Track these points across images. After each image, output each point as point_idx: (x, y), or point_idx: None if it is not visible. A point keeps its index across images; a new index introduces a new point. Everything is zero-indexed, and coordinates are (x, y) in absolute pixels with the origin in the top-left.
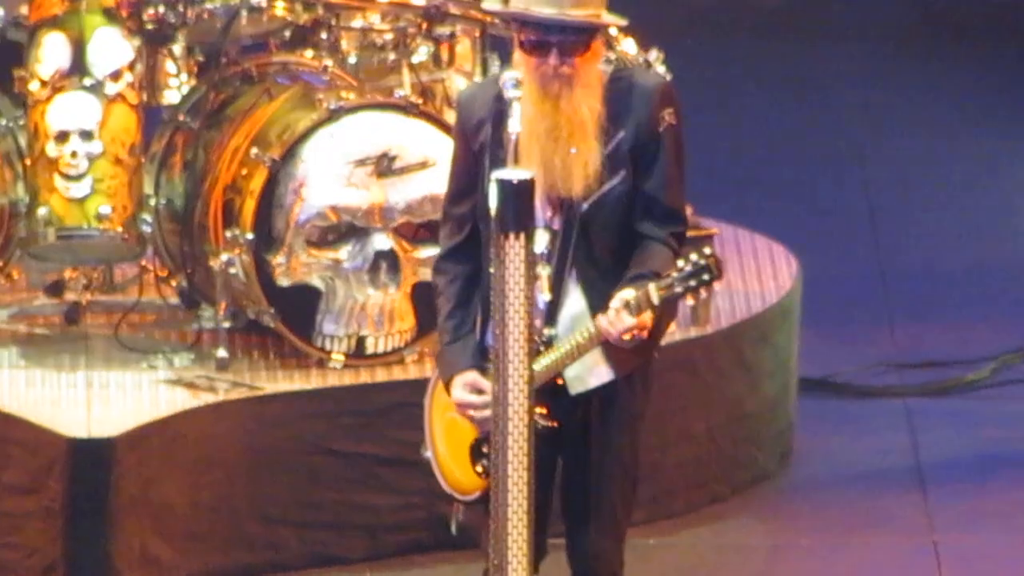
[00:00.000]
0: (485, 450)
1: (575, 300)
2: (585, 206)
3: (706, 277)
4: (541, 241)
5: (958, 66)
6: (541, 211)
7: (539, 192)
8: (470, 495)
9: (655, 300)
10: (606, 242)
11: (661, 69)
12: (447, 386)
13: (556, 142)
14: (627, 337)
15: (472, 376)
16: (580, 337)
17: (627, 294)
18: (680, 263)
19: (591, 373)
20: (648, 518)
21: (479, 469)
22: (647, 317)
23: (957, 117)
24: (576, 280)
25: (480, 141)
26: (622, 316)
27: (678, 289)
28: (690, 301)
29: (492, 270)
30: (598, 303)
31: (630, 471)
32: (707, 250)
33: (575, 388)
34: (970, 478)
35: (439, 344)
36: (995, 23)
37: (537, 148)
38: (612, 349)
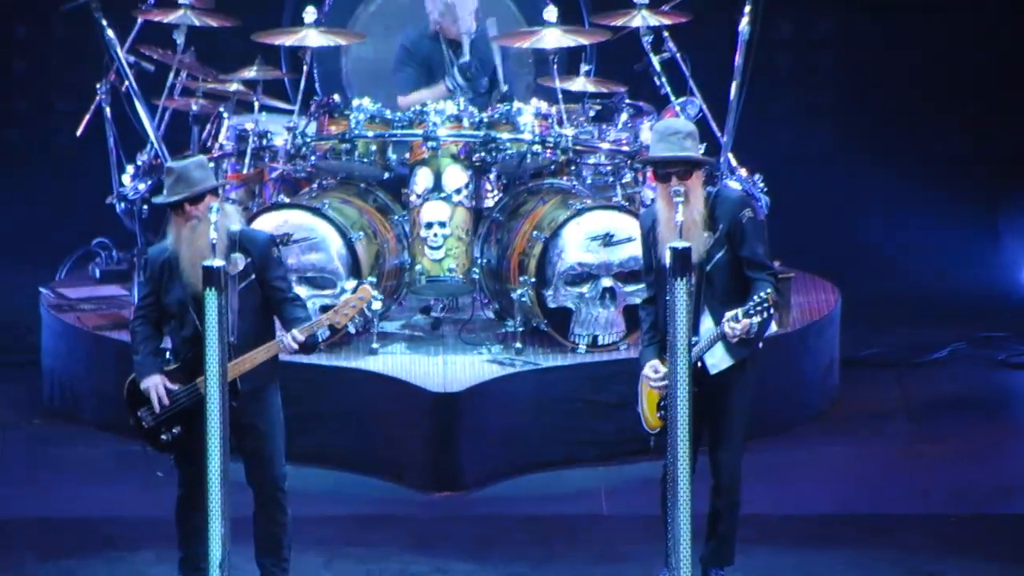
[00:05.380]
0: (663, 404)
1: (706, 319)
2: (708, 268)
3: (765, 308)
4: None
5: None
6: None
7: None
8: (656, 429)
9: (735, 323)
10: (721, 286)
11: (764, 188)
12: (641, 368)
13: (680, 234)
14: (739, 334)
15: (655, 363)
16: (710, 339)
17: (729, 315)
18: (753, 299)
19: (721, 360)
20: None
21: (660, 415)
22: (745, 326)
23: None
24: (705, 308)
25: (649, 239)
26: (731, 326)
27: (754, 316)
28: (756, 319)
29: (667, 299)
30: (719, 321)
31: (746, 416)
32: (768, 290)
33: (712, 370)
34: None
35: (640, 345)
36: None
37: (669, 236)
38: (730, 346)
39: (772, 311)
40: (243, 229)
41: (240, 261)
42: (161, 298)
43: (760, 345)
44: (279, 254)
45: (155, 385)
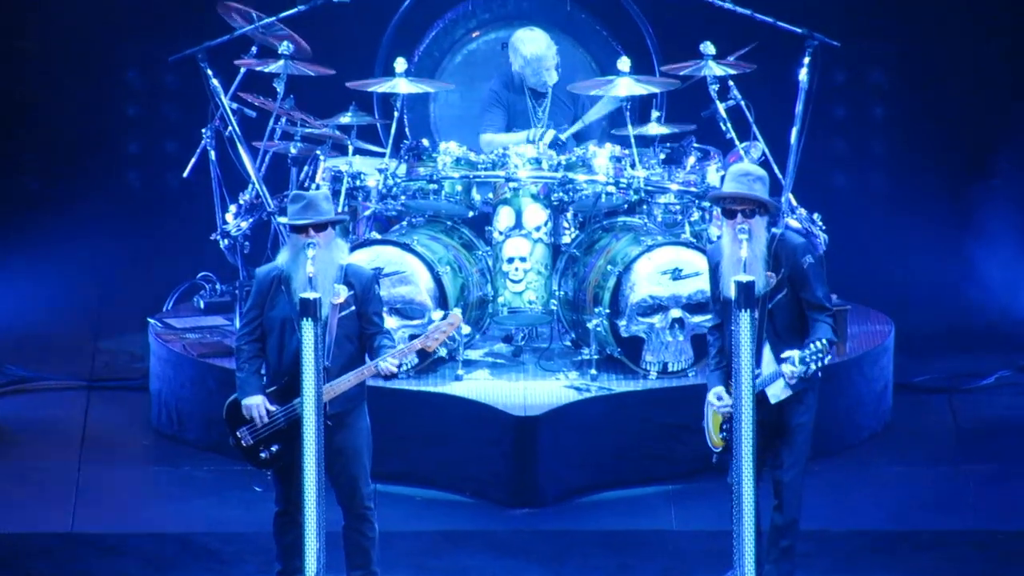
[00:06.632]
0: (726, 427)
1: (767, 352)
2: (770, 305)
3: (820, 357)
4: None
5: None
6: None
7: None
8: (718, 448)
9: (792, 367)
10: (781, 323)
11: (822, 226)
12: (708, 390)
13: (744, 269)
14: (797, 376)
15: (720, 390)
16: (770, 375)
17: (786, 356)
18: (811, 346)
19: (781, 392)
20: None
21: (723, 435)
22: (801, 371)
23: None
24: (767, 343)
25: (717, 272)
26: (790, 370)
27: (810, 363)
28: (813, 367)
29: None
30: (779, 355)
31: (808, 438)
32: (825, 339)
33: (773, 400)
34: None
35: (707, 369)
36: None
37: (732, 271)
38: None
39: (826, 359)
40: (350, 264)
41: (344, 292)
42: (265, 313)
43: (819, 375)
44: (379, 291)
45: (256, 405)
